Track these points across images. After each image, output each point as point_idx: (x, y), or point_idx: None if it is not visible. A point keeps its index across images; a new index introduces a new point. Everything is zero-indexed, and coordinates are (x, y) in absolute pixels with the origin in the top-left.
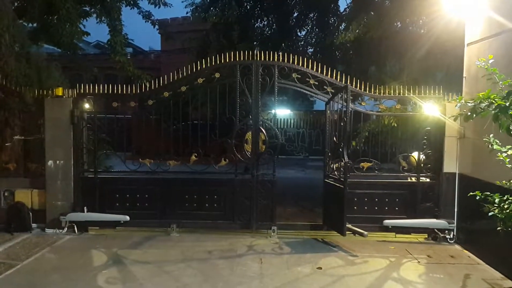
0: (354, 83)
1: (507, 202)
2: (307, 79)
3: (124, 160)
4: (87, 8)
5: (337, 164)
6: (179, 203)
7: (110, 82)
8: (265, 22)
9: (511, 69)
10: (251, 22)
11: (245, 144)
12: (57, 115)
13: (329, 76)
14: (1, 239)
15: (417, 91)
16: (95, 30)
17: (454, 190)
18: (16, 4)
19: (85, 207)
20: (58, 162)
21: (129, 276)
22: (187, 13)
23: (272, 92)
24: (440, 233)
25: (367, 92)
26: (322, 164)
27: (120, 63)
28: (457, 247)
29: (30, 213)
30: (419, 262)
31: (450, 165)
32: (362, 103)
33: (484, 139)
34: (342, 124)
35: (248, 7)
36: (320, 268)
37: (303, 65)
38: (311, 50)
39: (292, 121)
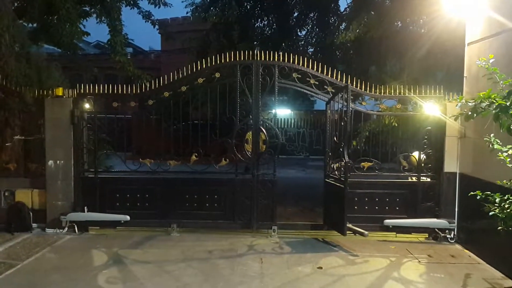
0: (354, 83)
1: (507, 201)
2: (308, 78)
3: (125, 160)
4: (87, 8)
5: (337, 163)
6: (179, 203)
7: (110, 82)
8: (265, 22)
9: None
10: (251, 22)
11: (245, 144)
12: (57, 115)
13: (329, 76)
14: (2, 239)
15: (417, 91)
16: (95, 30)
17: (454, 190)
18: (16, 4)
19: (85, 207)
20: (58, 162)
21: (130, 276)
22: (187, 13)
23: (273, 92)
24: (440, 233)
25: (368, 91)
26: (323, 164)
27: (120, 63)
28: (458, 246)
29: (31, 213)
30: (419, 261)
31: (451, 165)
32: (362, 103)
33: (484, 139)
34: (342, 123)
35: (248, 7)
36: (321, 267)
37: (303, 64)
38: (311, 49)
39: (292, 121)
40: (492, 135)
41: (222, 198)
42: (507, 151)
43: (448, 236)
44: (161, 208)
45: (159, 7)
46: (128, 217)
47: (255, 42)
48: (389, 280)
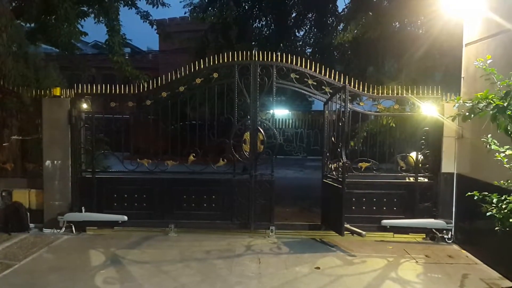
0: (352, 83)
1: (505, 202)
2: (306, 79)
3: (122, 160)
4: (85, 8)
5: (335, 164)
6: (177, 203)
7: (108, 82)
8: (263, 22)
9: (509, 69)
10: (249, 22)
11: (243, 144)
12: (55, 115)
13: (327, 76)
14: None
15: (415, 91)
16: (93, 30)
17: (452, 190)
18: (14, 4)
19: (83, 207)
20: (56, 162)
21: (127, 276)
22: (185, 13)
23: (270, 92)
24: (438, 233)
25: (365, 92)
26: (321, 164)
27: (118, 63)
28: (455, 247)
29: (28, 213)
30: (417, 262)
31: (448, 165)
32: (360, 103)
33: (482, 139)
34: (340, 124)
35: (246, 7)
36: (318, 268)
37: (301, 65)
38: (309, 50)
39: (290, 121)
40: (489, 135)
41: (220, 198)
42: (505, 151)
43: (445, 236)
44: (158, 208)
45: (157, 7)
46: (125, 217)
47: (253, 43)
48: (387, 280)
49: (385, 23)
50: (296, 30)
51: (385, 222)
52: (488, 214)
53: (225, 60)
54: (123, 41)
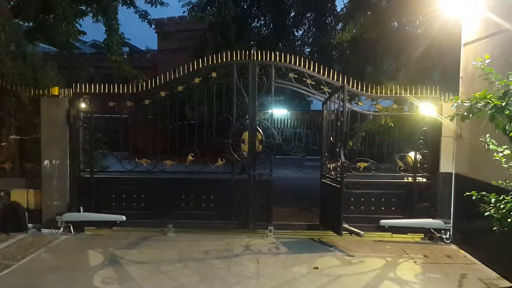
0: (351, 83)
1: (503, 202)
2: (304, 79)
3: (121, 159)
4: (84, 7)
5: (334, 164)
6: (175, 203)
7: (106, 82)
8: (262, 22)
9: (508, 69)
10: (248, 22)
11: (242, 144)
12: (53, 114)
13: (326, 76)
14: None
15: (413, 91)
16: (92, 29)
17: (450, 190)
18: (12, 3)
19: (81, 207)
20: (54, 161)
21: (126, 276)
22: (183, 12)
23: (269, 91)
24: (436, 233)
25: (364, 92)
26: (319, 164)
27: (116, 63)
28: (453, 247)
29: (26, 213)
30: (415, 262)
31: (447, 165)
32: (359, 103)
33: (480, 139)
34: (339, 124)
35: (245, 7)
36: (317, 268)
37: (300, 64)
38: (308, 50)
39: (289, 121)
40: (487, 135)
41: (219, 198)
42: (503, 151)
43: (443, 236)
44: (157, 208)
45: (155, 7)
46: (124, 217)
47: (251, 42)
48: (385, 281)
49: (384, 22)
50: (295, 30)
51: (383, 222)
52: (486, 214)
53: (224, 60)
54: (121, 40)
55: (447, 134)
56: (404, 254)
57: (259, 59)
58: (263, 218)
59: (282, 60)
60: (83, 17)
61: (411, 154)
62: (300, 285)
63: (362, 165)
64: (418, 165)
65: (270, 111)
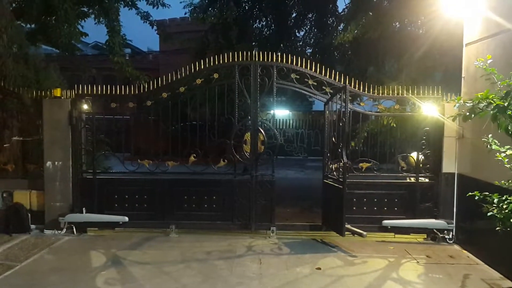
0: (352, 84)
1: (505, 202)
2: (306, 79)
3: (123, 161)
4: (85, 9)
5: (336, 164)
6: (178, 204)
7: (108, 83)
8: (264, 23)
9: (510, 69)
10: (250, 23)
11: (244, 145)
12: (55, 116)
13: (327, 77)
14: (0, 240)
15: (415, 91)
16: (94, 31)
17: (453, 190)
18: (14, 5)
19: (83, 208)
20: (56, 163)
21: (128, 277)
22: (185, 13)
23: (271, 92)
24: (439, 233)
25: (366, 92)
26: (321, 165)
27: (118, 64)
28: (456, 247)
29: (29, 214)
30: (418, 262)
31: (449, 165)
32: (361, 104)
33: (482, 139)
34: (341, 124)
35: (247, 8)
36: (319, 268)
37: (301, 65)
38: (309, 50)
39: (291, 122)
40: (490, 135)
41: (221, 199)
42: (505, 151)
43: (446, 236)
44: (159, 209)
45: (157, 8)
46: (126, 218)
47: (253, 43)
48: (388, 281)
49: (385, 23)
50: (296, 31)
51: (386, 222)
52: (489, 214)
53: (226, 61)
54: (123, 42)
55: (450, 134)
56: (406, 255)
57: (261, 60)
58: (265, 219)
59: (284, 61)
60: (85, 19)
61: (414, 155)
62: (303, 285)
63: (364, 165)
64: (421, 165)
65: (272, 111)
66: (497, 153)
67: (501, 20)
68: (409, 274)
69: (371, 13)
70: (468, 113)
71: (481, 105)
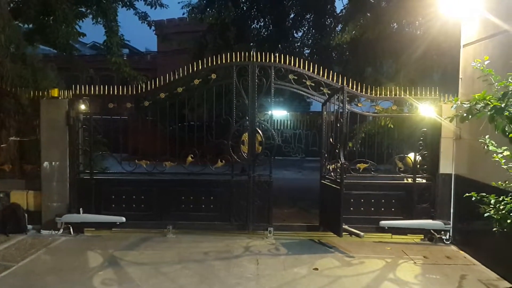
0: (350, 84)
1: (502, 203)
2: (304, 80)
3: (121, 161)
4: (83, 9)
5: (333, 165)
6: (175, 204)
7: (106, 83)
8: (262, 23)
9: (507, 70)
10: (248, 23)
11: (241, 145)
12: (52, 116)
13: (325, 77)
14: None
15: (413, 92)
16: (91, 31)
17: (450, 191)
18: (11, 5)
19: (80, 209)
20: (53, 163)
21: (125, 277)
22: (183, 14)
23: (269, 93)
24: (436, 234)
25: (364, 93)
26: (319, 165)
27: (116, 64)
28: (453, 247)
29: (26, 215)
30: (415, 263)
31: (446, 166)
32: (358, 104)
33: (480, 140)
34: (338, 125)
35: (245, 8)
36: (317, 269)
37: (299, 66)
38: (307, 51)
39: (288, 122)
40: (487, 136)
41: (218, 200)
42: (502, 152)
43: (443, 237)
44: (157, 209)
45: (155, 8)
46: (123, 219)
47: (251, 44)
48: (385, 281)
49: (383, 24)
50: (294, 31)
51: (383, 223)
52: (486, 215)
53: (224, 61)
54: (121, 42)
55: (447, 135)
56: (404, 255)
57: (259, 60)
58: (262, 219)
59: (282, 62)
60: (83, 19)
61: (411, 155)
62: (300, 286)
63: (362, 166)
64: (418, 166)
65: (269, 112)
66: (494, 154)
67: (498, 21)
68: (406, 275)
69: (369, 14)
70: (465, 114)
71: (478, 106)
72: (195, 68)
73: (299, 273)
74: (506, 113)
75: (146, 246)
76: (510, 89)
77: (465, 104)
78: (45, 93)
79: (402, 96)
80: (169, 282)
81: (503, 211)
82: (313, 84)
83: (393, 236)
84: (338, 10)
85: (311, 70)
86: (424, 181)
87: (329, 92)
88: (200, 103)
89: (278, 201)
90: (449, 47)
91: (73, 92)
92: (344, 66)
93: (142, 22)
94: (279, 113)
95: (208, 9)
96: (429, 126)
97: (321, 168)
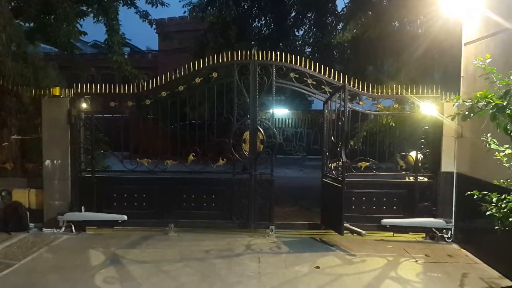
0: (352, 83)
1: (504, 201)
2: (305, 78)
3: (122, 159)
4: (84, 8)
5: (335, 163)
6: (177, 203)
7: (107, 82)
8: (263, 22)
9: (508, 68)
10: (249, 22)
11: (243, 144)
12: (54, 114)
13: (326, 76)
14: None
15: (415, 91)
16: (92, 29)
17: (452, 189)
18: (12, 3)
19: (82, 207)
20: (55, 161)
21: (127, 275)
22: (184, 12)
23: (270, 91)
24: (438, 232)
25: (365, 91)
26: (320, 164)
27: (117, 63)
28: (455, 246)
29: (28, 213)
30: (417, 261)
31: (448, 164)
32: (360, 103)
33: (481, 139)
34: (340, 123)
35: (246, 7)
36: (318, 267)
37: (300, 64)
38: (309, 49)
39: (290, 121)
40: (489, 134)
41: (220, 198)
42: (504, 150)
43: (445, 235)
44: (158, 207)
45: (156, 7)
46: (125, 217)
47: (252, 42)
48: (387, 280)
49: (385, 22)
50: (296, 30)
51: (385, 221)
52: (487, 213)
53: (225, 60)
54: (122, 41)
55: (449, 133)
56: (405, 254)
57: (260, 59)
58: (264, 218)
59: (283, 60)
60: (84, 18)
61: (413, 154)
62: (302, 284)
63: (363, 164)
64: (420, 164)
65: (271, 110)
66: (496, 152)
67: (500, 19)
68: (408, 273)
69: (370, 12)
70: (467, 112)
71: (480, 104)
72: (196, 67)
73: (300, 271)
74: (508, 111)
75: (147, 244)
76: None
77: (466, 102)
78: (47, 91)
79: (404, 94)
80: (171, 280)
81: (505, 209)
82: (314, 83)
83: (395, 234)
84: (339, 9)
85: (312, 69)
86: (425, 179)
87: (330, 90)
88: (201, 102)
89: (279, 200)
90: (450, 46)
91: (75, 91)
92: (345, 65)
93: (143, 21)
94: (280, 112)
95: (209, 8)
96: (431, 124)
97: (323, 166)
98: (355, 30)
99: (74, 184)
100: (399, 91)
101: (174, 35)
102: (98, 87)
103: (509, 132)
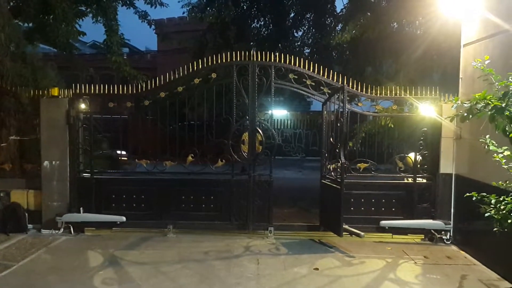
0: (350, 84)
1: (503, 203)
2: (304, 79)
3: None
4: (83, 8)
5: (333, 164)
6: (175, 204)
7: (106, 82)
8: (262, 23)
9: (507, 69)
10: (248, 23)
11: (241, 145)
12: (53, 115)
13: (325, 77)
14: None
15: (413, 92)
16: (91, 30)
17: (450, 191)
18: (11, 3)
19: (81, 208)
20: (54, 162)
21: (126, 277)
22: (183, 13)
23: (269, 92)
24: (436, 234)
25: (364, 92)
26: (319, 165)
27: (116, 63)
28: (454, 247)
29: (26, 214)
30: (415, 262)
31: (447, 166)
32: (358, 104)
33: (480, 140)
34: (338, 124)
35: (245, 8)
36: (317, 269)
37: (299, 65)
38: (307, 50)
39: (289, 122)
40: (487, 136)
41: (218, 199)
42: (503, 152)
43: (444, 237)
44: (157, 209)
45: (155, 7)
46: (124, 218)
47: (251, 43)
48: (385, 281)
49: (383, 23)
50: (295, 31)
51: (383, 223)
52: (486, 215)
53: (224, 60)
54: (121, 41)
55: (447, 135)
56: (404, 255)
57: (259, 59)
58: (263, 219)
59: (282, 61)
60: (83, 18)
61: (411, 155)
62: (300, 286)
63: (362, 166)
64: (418, 166)
65: (270, 111)
66: (495, 154)
67: (499, 21)
68: (407, 275)
69: (369, 14)
70: (465, 114)
71: (479, 105)
72: (195, 67)
73: (299, 272)
74: (507, 112)
75: (146, 246)
76: (510, 88)
77: (465, 103)
78: (45, 92)
79: (403, 95)
80: (169, 281)
81: (504, 211)
82: (313, 84)
83: (394, 236)
84: (338, 10)
85: (311, 70)
86: (424, 181)
87: (329, 91)
88: (200, 103)
89: (278, 201)
90: (449, 47)
91: (73, 91)
92: (344, 66)
93: (142, 21)
94: (279, 113)
95: (208, 8)
96: (430, 125)
97: (321, 167)
98: (354, 31)
99: (73, 185)
100: (398, 92)
101: (173, 36)
102: (97, 88)
103: (507, 133)
